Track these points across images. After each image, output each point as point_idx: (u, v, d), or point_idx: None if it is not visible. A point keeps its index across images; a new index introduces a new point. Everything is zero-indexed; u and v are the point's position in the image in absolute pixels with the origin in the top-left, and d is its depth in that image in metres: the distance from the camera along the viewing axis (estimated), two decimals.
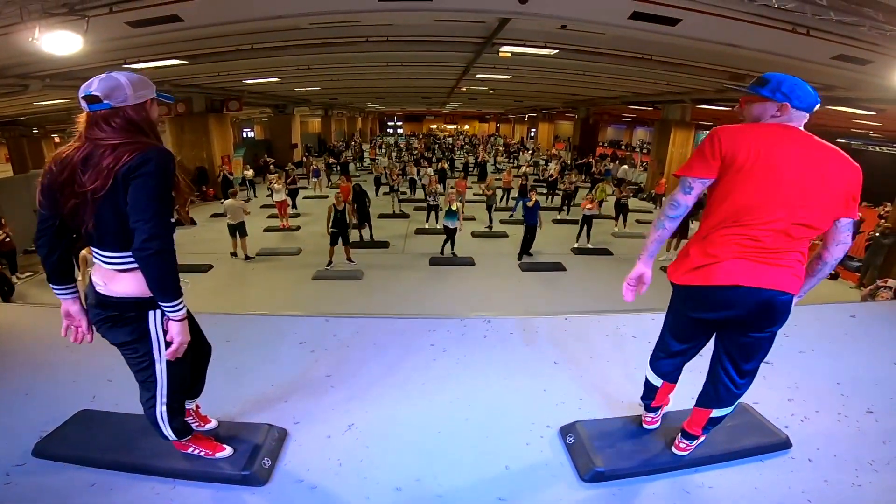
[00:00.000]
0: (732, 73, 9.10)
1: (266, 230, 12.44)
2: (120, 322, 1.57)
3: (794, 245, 1.56)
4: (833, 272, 10.23)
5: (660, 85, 12.62)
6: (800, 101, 1.58)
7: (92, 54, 7.85)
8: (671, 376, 1.99)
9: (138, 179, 1.41)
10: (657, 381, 2.02)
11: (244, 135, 36.51)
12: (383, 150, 27.58)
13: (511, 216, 13.37)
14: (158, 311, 1.58)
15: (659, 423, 2.21)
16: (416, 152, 25.06)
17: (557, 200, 15.35)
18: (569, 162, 22.41)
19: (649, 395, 2.09)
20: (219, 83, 14.08)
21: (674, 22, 5.23)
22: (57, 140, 35.20)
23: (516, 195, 14.07)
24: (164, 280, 1.48)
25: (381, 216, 13.62)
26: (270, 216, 13.29)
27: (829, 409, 2.50)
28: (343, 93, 20.62)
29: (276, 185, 12.45)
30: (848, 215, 1.58)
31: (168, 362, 1.64)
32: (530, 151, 30.60)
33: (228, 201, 10.04)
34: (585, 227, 10.88)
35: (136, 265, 1.47)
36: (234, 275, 9.24)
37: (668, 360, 1.95)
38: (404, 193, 15.47)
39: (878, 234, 9.89)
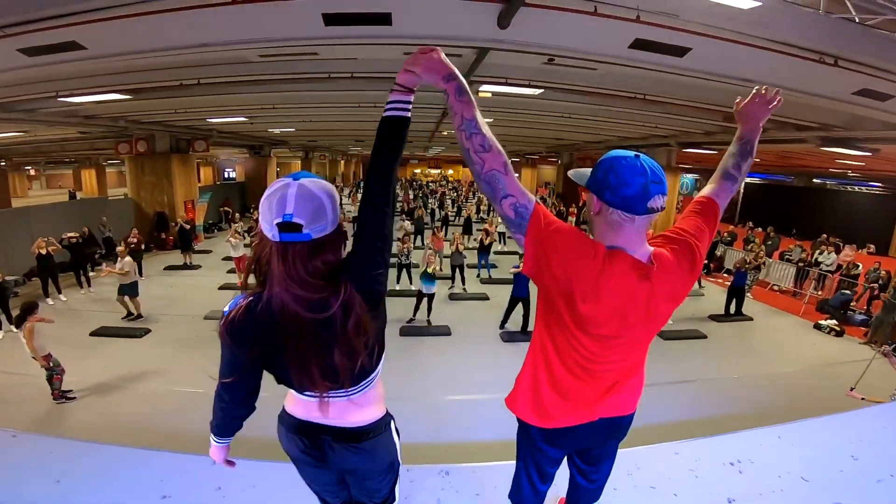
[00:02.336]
0: (727, 114, 8.52)
1: (221, 287, 11.13)
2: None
3: (639, 365, 1.50)
4: (838, 328, 9.61)
5: (647, 128, 12.14)
6: (612, 194, 1.26)
7: (20, 86, 6.99)
8: None
9: None
10: None
11: (225, 175, 35.68)
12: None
13: (479, 275, 12.31)
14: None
15: None
16: (400, 202, 23.79)
17: None
18: (550, 208, 21.43)
19: None
20: (182, 121, 13.27)
21: (682, 52, 4.46)
22: (32, 173, 34.01)
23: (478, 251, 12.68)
24: None
25: None
26: (229, 271, 12.06)
27: None
28: (320, 135, 19.96)
29: (233, 240, 11.15)
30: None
31: None
32: None
33: (128, 259, 8.91)
34: None
35: None
36: (173, 342, 7.92)
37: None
38: None
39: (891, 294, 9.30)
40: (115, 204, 16.09)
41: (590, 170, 1.35)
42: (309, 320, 1.18)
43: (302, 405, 1.37)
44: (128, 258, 8.84)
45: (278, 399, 1.44)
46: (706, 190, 1.57)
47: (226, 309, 1.24)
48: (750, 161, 1.58)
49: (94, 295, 10.47)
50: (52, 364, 5.97)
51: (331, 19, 4.01)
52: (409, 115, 1.30)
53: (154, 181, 15.30)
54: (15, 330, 8.11)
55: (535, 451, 1.58)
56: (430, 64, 1.29)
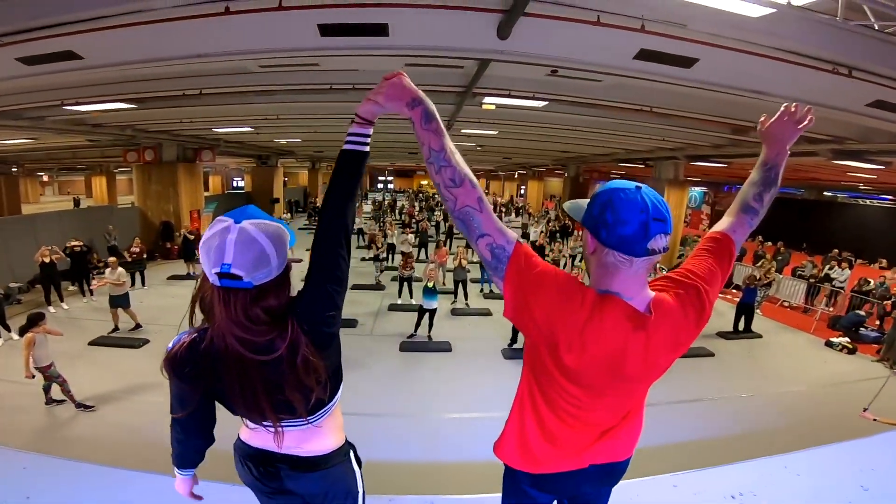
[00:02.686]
0: (736, 126, 8.39)
1: None
2: None
3: (637, 410, 1.35)
4: (850, 346, 9.35)
5: (654, 141, 12.01)
6: (608, 233, 1.12)
7: (26, 94, 7.04)
8: None
9: None
10: None
11: (234, 184, 36.03)
12: (370, 210, 24.78)
13: (482, 290, 12.17)
14: None
15: None
16: (404, 214, 23.60)
17: None
18: (555, 222, 20.91)
19: None
20: (189, 130, 13.36)
21: (689, 63, 4.33)
22: (45, 179, 34.40)
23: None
24: None
25: (355, 287, 12.23)
26: None
27: None
28: (327, 145, 20.03)
29: None
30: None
31: None
32: (516, 211, 29.82)
33: (121, 269, 8.83)
34: None
35: None
36: None
37: None
38: (384, 260, 13.97)
39: None
40: (122, 212, 16.16)
41: (585, 202, 1.23)
42: (254, 361, 1.13)
43: (256, 434, 1.32)
44: (120, 269, 8.78)
45: None
46: (723, 224, 1.41)
47: (169, 345, 1.20)
48: (774, 191, 1.41)
49: (96, 304, 10.39)
50: (50, 374, 5.92)
51: (326, 30, 3.94)
52: (367, 149, 1.23)
53: (160, 190, 15.35)
54: (15, 338, 8.11)
55: (521, 495, 1.44)
56: (392, 90, 1.19)
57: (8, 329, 8.21)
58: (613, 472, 1.40)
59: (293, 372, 1.15)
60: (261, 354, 1.12)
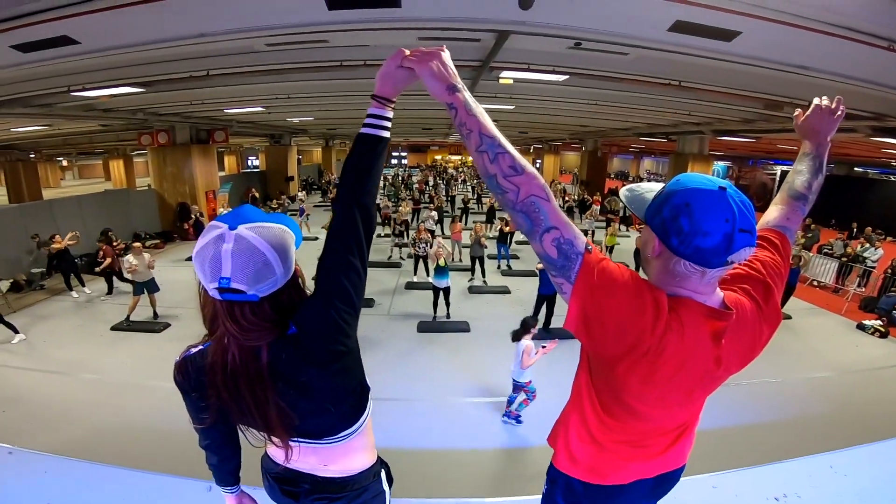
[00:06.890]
0: (770, 102, 7.87)
1: None
2: None
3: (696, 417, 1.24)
4: (882, 329, 8.93)
5: (679, 115, 11.45)
6: (682, 243, 0.93)
7: (31, 82, 6.90)
8: None
9: None
10: None
11: (248, 162, 36.19)
12: (384, 187, 24.14)
13: (498, 268, 12.00)
14: None
15: None
16: (415, 188, 23.36)
17: None
18: (574, 198, 20.31)
19: None
20: (201, 112, 13.16)
21: (730, 36, 3.94)
22: (65, 164, 34.91)
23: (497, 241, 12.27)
24: None
25: (371, 265, 12.11)
26: None
27: None
28: (339, 123, 19.73)
29: None
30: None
31: None
32: None
33: (147, 254, 8.65)
34: None
35: None
36: (192, 337, 7.73)
37: None
38: (399, 237, 13.80)
39: None
40: (139, 195, 16.21)
41: (650, 192, 1.04)
42: (265, 369, 1.04)
43: (280, 451, 1.19)
44: (147, 253, 8.67)
45: None
46: (774, 215, 1.33)
47: (177, 357, 1.14)
48: (821, 179, 1.38)
49: (118, 288, 10.43)
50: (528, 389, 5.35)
51: (334, 2, 3.67)
52: (388, 134, 1.08)
53: (175, 172, 15.33)
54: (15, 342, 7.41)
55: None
56: (440, 69, 1.02)
57: (14, 330, 7.53)
58: (670, 480, 1.32)
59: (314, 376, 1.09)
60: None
